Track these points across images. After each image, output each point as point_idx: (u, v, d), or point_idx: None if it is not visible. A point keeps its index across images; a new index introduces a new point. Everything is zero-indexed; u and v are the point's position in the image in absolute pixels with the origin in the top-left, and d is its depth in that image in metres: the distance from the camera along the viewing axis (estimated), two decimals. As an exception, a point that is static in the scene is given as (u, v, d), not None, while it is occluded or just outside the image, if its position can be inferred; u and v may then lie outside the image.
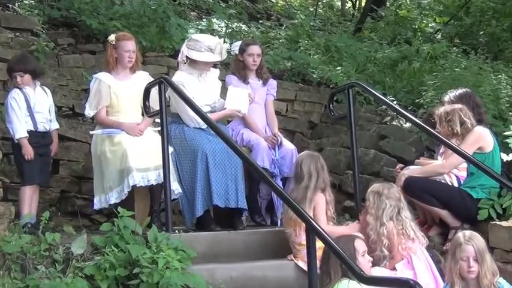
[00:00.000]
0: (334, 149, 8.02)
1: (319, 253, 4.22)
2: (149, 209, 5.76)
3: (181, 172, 5.78)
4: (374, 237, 4.93)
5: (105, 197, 5.68)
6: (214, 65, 6.18)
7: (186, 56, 5.95)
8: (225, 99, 6.01)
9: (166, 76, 5.78)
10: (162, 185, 5.39)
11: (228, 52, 6.21)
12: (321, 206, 5.18)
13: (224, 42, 6.00)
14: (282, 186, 5.54)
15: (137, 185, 5.55)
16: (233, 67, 6.42)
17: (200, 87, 5.96)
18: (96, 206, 5.78)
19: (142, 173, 5.56)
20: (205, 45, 5.87)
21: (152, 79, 5.85)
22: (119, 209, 5.08)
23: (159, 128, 5.53)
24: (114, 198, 5.60)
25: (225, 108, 5.98)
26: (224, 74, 6.62)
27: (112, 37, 5.97)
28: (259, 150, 6.01)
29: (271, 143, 6.12)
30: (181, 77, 5.91)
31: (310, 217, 4.24)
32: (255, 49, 6.31)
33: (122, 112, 5.94)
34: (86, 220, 6.85)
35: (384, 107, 8.16)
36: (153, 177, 5.59)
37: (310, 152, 5.58)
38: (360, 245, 4.55)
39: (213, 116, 5.65)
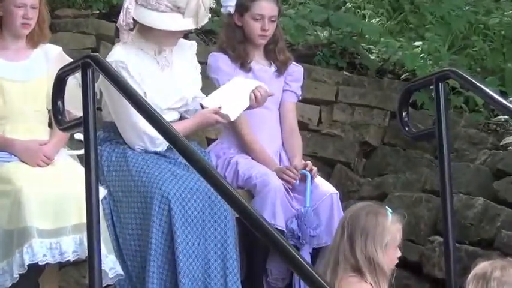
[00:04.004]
0: (409, 196, 8.01)
1: None
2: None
3: (122, 235, 5.90)
4: None
5: None
6: (186, 35, 6.29)
7: (134, 19, 6.00)
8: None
9: (96, 54, 5.55)
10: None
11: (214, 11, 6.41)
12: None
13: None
14: (309, 261, 5.52)
15: (40, 263, 5.58)
16: (223, 38, 6.59)
17: (160, 75, 6.09)
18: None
19: (50, 240, 5.63)
20: (168, -1, 6.03)
21: (70, 59, 5.77)
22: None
23: (82, 151, 5.39)
24: (-10, 283, 5.75)
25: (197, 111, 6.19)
26: (206, 50, 6.74)
27: (-6, -19, 6.16)
28: (268, 194, 6.05)
29: (290, 180, 6.15)
30: (124, 56, 6.00)
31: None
32: (267, 7, 6.40)
33: (11, 120, 6.07)
34: None
35: (502, 117, 8.35)
36: (71, 248, 5.66)
37: (370, 203, 5.58)
38: None
39: (178, 127, 5.54)
